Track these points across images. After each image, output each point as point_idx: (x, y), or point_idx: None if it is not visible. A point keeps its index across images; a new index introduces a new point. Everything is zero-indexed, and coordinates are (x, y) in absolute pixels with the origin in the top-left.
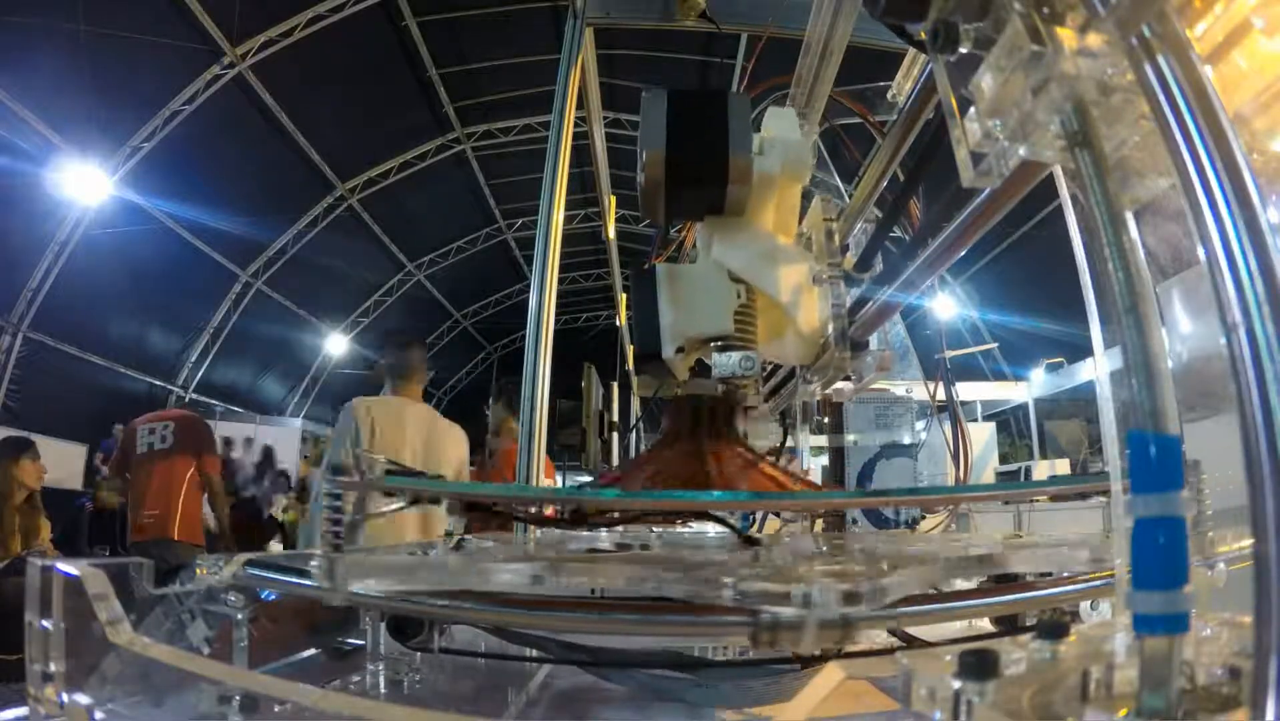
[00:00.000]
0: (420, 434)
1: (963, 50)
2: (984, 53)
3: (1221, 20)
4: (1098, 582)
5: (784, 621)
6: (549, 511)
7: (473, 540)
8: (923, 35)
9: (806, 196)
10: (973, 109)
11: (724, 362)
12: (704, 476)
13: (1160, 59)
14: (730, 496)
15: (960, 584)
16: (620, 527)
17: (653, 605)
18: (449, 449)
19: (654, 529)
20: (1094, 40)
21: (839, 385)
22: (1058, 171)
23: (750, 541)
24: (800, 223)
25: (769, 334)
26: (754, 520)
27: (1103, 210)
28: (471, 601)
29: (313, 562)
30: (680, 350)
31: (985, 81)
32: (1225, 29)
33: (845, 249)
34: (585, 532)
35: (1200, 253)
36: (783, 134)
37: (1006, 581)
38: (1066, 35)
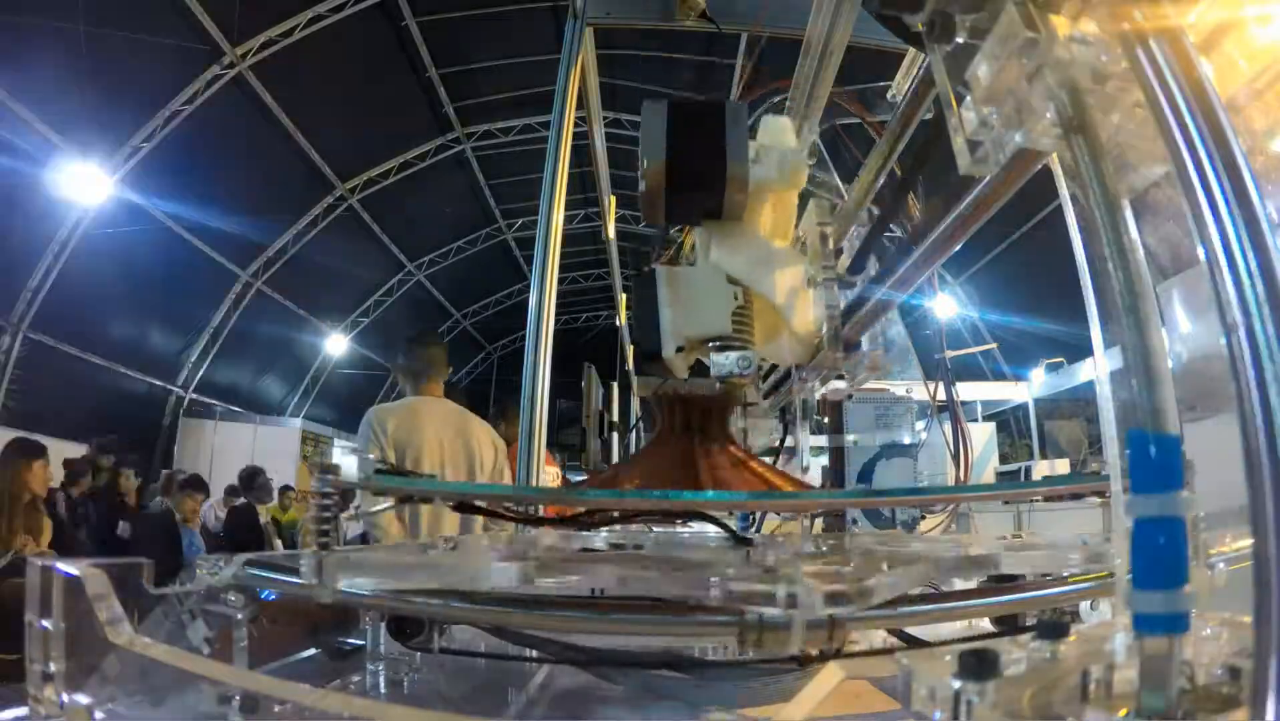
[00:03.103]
0: (444, 432)
1: (959, 40)
2: (979, 42)
3: (1213, 9)
4: (1098, 582)
5: (770, 621)
6: (548, 510)
7: (469, 539)
8: (920, 27)
9: (807, 197)
10: (969, 98)
11: (722, 362)
12: (693, 476)
13: (1153, 45)
14: (725, 496)
15: (959, 584)
16: (617, 527)
17: (644, 605)
18: (482, 445)
19: (652, 529)
20: (1087, 26)
21: (834, 384)
22: (1057, 171)
23: (742, 541)
24: (798, 226)
25: (765, 334)
26: (753, 520)
27: (1099, 197)
28: (463, 600)
29: (301, 561)
30: (680, 350)
31: (981, 70)
32: (1217, 17)
33: (839, 252)
34: (582, 532)
35: (1200, 252)
36: (778, 142)
37: (1006, 581)
38: (1060, 22)
